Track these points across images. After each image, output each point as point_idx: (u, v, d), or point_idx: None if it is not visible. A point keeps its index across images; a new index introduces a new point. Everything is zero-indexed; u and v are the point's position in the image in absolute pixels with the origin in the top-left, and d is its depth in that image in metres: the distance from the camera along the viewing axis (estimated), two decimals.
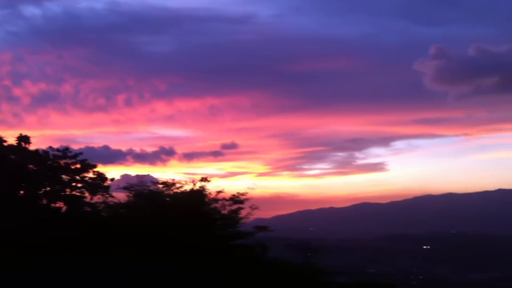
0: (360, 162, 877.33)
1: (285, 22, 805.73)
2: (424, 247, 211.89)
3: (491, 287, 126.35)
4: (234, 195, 31.02)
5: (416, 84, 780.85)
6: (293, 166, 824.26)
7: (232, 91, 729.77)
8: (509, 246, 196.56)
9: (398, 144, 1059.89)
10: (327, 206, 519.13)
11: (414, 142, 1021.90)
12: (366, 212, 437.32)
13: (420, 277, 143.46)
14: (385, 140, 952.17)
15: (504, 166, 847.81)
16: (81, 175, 34.21)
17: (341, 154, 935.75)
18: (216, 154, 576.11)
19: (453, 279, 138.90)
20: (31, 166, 34.06)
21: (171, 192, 31.26)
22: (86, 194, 33.84)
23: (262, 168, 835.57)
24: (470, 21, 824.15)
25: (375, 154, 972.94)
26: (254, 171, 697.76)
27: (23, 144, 34.28)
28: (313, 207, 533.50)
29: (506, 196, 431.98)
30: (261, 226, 32.56)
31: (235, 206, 31.08)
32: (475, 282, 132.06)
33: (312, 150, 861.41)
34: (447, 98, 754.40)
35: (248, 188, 32.01)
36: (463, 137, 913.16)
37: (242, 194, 31.11)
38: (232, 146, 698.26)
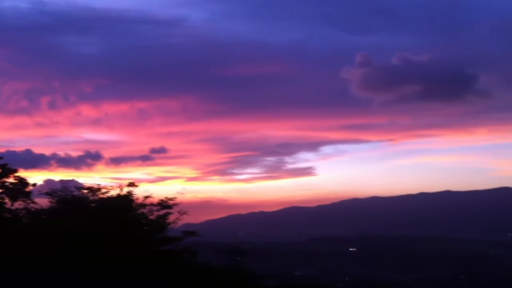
0: (289, 166, 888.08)
1: (216, 26, 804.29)
2: (351, 249, 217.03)
3: (416, 287, 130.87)
4: (162, 200, 30.70)
5: (343, 90, 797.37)
6: (223, 170, 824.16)
7: (162, 95, 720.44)
8: (431, 247, 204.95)
9: (326, 149, 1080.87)
10: (257, 210, 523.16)
11: (342, 147, 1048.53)
12: (295, 216, 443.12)
13: (346, 278, 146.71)
14: (313, 145, 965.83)
15: (426, 170, 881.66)
16: (1, 180, 32.81)
17: (271, 159, 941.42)
18: (144, 159, 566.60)
19: (379, 280, 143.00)
20: None
21: (96, 198, 30.58)
22: (6, 200, 32.48)
23: (192, 173, 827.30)
24: (394, 30, 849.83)
25: (304, 159, 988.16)
26: (184, 176, 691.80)
27: None
28: (243, 211, 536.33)
29: (427, 199, 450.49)
30: (190, 231, 32.39)
31: (163, 211, 30.75)
32: (400, 283, 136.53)
33: (242, 155, 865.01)
34: (373, 105, 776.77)
35: (178, 193, 31.83)
36: (388, 143, 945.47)
37: (171, 199, 30.86)
38: (161, 150, 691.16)
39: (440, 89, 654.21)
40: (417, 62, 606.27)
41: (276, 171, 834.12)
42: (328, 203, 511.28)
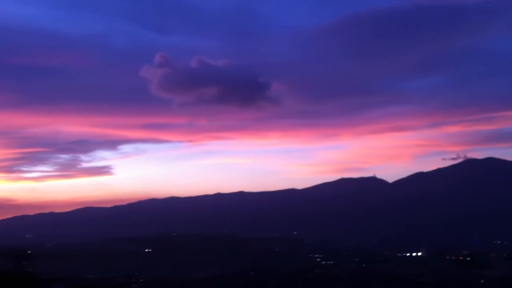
0: (85, 165, 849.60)
1: (5, 10, 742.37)
2: (147, 249, 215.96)
3: (211, 283, 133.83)
4: None
5: (143, 89, 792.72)
6: (9, 167, 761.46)
7: None
8: (226, 244, 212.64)
9: (125, 147, 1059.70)
10: (47, 211, 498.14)
11: (141, 146, 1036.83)
12: (89, 216, 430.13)
13: (141, 279, 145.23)
14: (112, 143, 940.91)
15: (222, 171, 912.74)
16: None
17: (64, 156, 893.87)
18: None
19: (175, 279, 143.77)
20: None
21: None
22: None
23: None
24: (195, 33, 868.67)
25: (101, 157, 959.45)
26: None
27: None
28: (31, 212, 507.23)
29: (223, 199, 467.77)
30: None
31: None
32: (197, 281, 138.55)
33: (32, 151, 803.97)
34: (172, 105, 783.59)
35: None
36: (187, 143, 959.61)
37: None
38: None
39: (236, 93, 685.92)
40: (215, 66, 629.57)
41: (70, 170, 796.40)
42: (125, 203, 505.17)
